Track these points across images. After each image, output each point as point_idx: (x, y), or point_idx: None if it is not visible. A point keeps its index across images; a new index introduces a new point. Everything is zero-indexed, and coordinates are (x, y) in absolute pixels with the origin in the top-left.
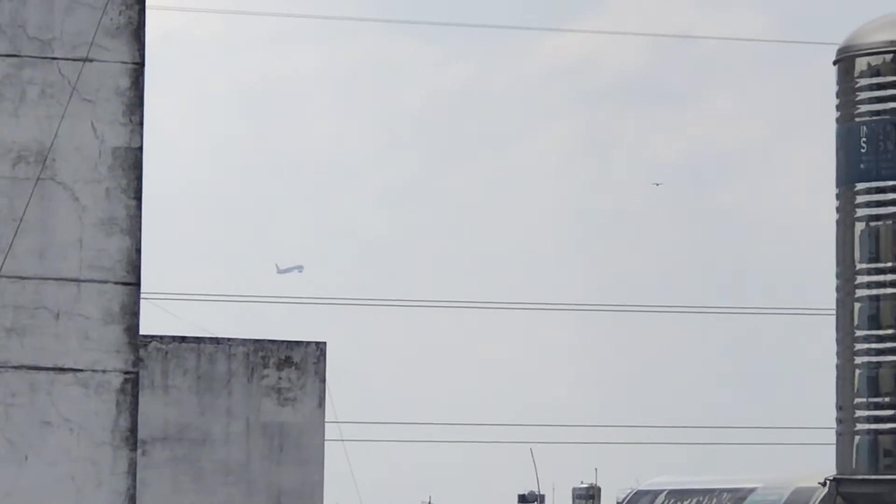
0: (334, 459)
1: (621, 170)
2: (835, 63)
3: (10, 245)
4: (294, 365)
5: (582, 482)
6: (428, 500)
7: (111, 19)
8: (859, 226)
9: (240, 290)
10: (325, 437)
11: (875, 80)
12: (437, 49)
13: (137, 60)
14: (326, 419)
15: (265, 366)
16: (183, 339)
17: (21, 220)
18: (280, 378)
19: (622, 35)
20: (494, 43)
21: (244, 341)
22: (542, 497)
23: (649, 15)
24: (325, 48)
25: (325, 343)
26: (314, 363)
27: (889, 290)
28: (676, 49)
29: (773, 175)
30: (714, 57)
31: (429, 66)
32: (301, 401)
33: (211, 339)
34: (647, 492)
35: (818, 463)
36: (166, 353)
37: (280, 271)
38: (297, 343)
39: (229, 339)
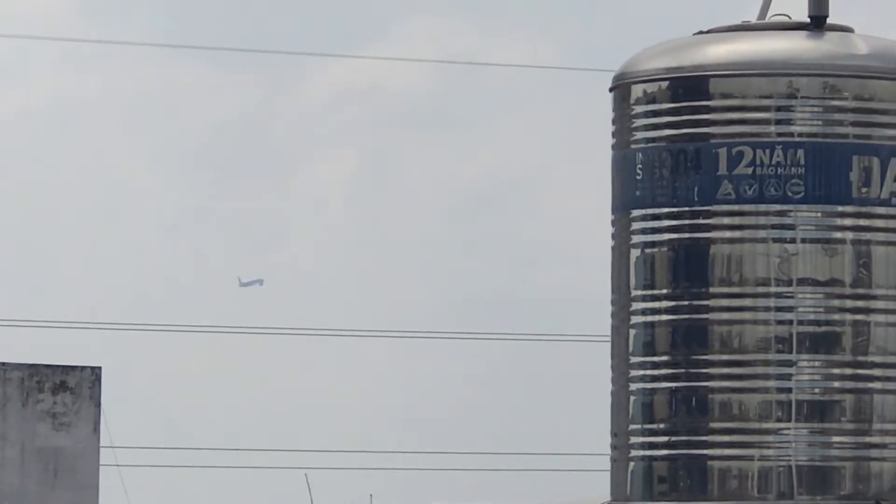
0: (110, 485)
1: (407, 195)
2: (611, 90)
3: None
4: (69, 390)
5: None
6: None
7: None
8: (635, 252)
9: (14, 314)
10: (101, 462)
11: (650, 108)
12: (224, 74)
13: None
14: (102, 444)
15: (40, 390)
16: None
17: None
18: (55, 403)
19: (409, 61)
20: (281, 68)
21: (19, 366)
22: None
23: (436, 42)
24: (112, 73)
25: (100, 368)
26: (89, 388)
27: (664, 317)
28: (463, 76)
29: (554, 201)
30: (500, 84)
31: (215, 91)
32: (76, 426)
33: None
34: None
35: (593, 489)
36: None
37: (241, 284)
38: (73, 368)
39: (4, 364)
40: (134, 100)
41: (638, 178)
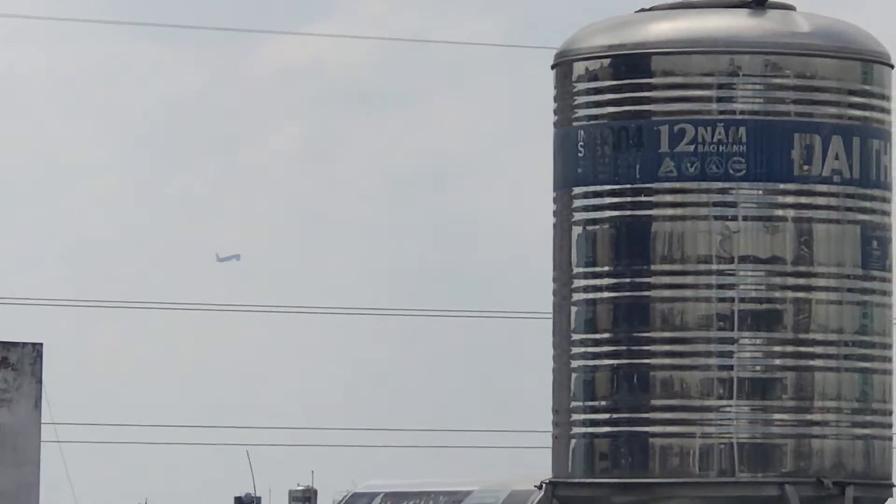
0: (51, 461)
1: (350, 172)
2: (553, 67)
3: None
4: (10, 366)
5: (298, 484)
6: (144, 503)
7: None
8: (576, 230)
9: None
10: (42, 439)
11: (592, 85)
12: (169, 51)
13: None
14: (43, 420)
15: None
16: None
17: None
18: None
19: (352, 38)
20: (224, 46)
21: None
22: (259, 499)
23: (380, 19)
24: (55, 50)
25: (41, 344)
26: (31, 364)
27: (605, 294)
28: (407, 53)
29: (498, 179)
30: (443, 61)
31: (160, 68)
32: (17, 402)
33: None
34: (363, 494)
35: (534, 466)
36: None
37: (219, 259)
38: (14, 344)
39: None
40: (79, 76)
41: (580, 155)
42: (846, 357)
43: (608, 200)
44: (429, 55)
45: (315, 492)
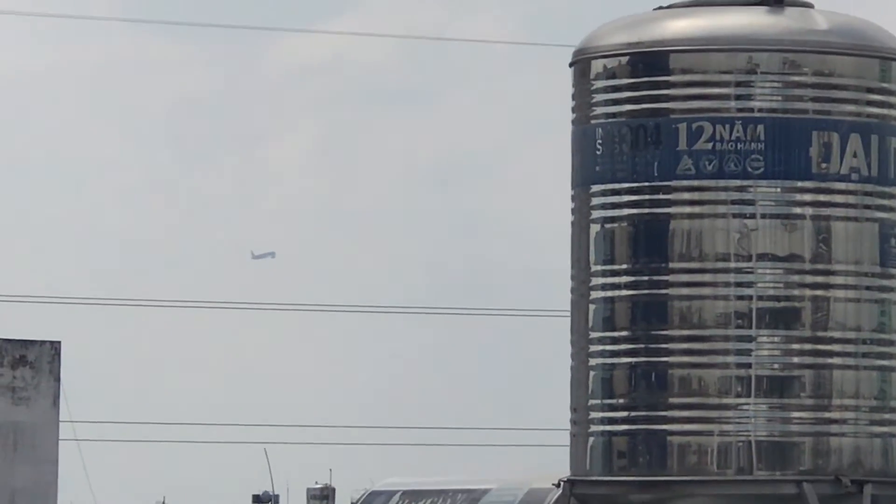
0: (69, 459)
1: (368, 170)
2: (571, 65)
3: None
4: (29, 364)
5: (316, 482)
6: (162, 501)
7: None
8: (594, 228)
9: None
10: (60, 437)
11: (610, 83)
12: (183, 49)
13: None
14: (61, 418)
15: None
16: None
17: None
18: (14, 377)
19: (370, 36)
20: (240, 43)
21: None
22: (277, 497)
23: (400, 16)
24: (70, 47)
25: (59, 342)
26: (49, 362)
27: (624, 292)
28: (424, 50)
29: (515, 175)
30: (462, 58)
31: (175, 67)
32: (35, 400)
33: None
34: (381, 492)
35: (552, 464)
36: None
37: (254, 257)
38: (32, 342)
39: None
40: (97, 74)
41: (598, 153)
42: (864, 355)
43: (626, 198)
44: (448, 52)
45: (333, 490)
